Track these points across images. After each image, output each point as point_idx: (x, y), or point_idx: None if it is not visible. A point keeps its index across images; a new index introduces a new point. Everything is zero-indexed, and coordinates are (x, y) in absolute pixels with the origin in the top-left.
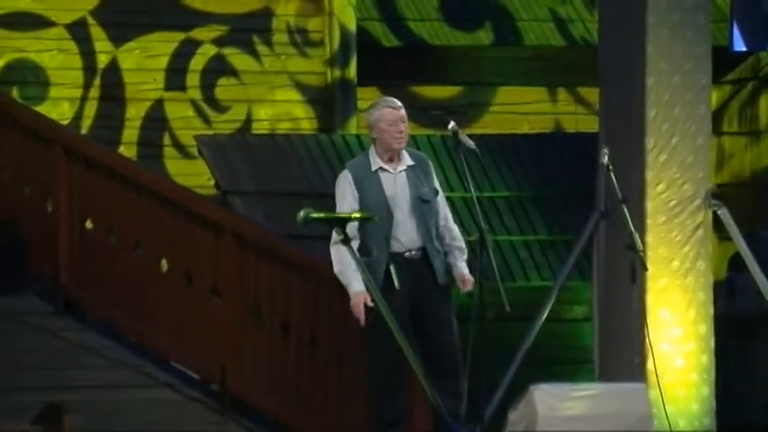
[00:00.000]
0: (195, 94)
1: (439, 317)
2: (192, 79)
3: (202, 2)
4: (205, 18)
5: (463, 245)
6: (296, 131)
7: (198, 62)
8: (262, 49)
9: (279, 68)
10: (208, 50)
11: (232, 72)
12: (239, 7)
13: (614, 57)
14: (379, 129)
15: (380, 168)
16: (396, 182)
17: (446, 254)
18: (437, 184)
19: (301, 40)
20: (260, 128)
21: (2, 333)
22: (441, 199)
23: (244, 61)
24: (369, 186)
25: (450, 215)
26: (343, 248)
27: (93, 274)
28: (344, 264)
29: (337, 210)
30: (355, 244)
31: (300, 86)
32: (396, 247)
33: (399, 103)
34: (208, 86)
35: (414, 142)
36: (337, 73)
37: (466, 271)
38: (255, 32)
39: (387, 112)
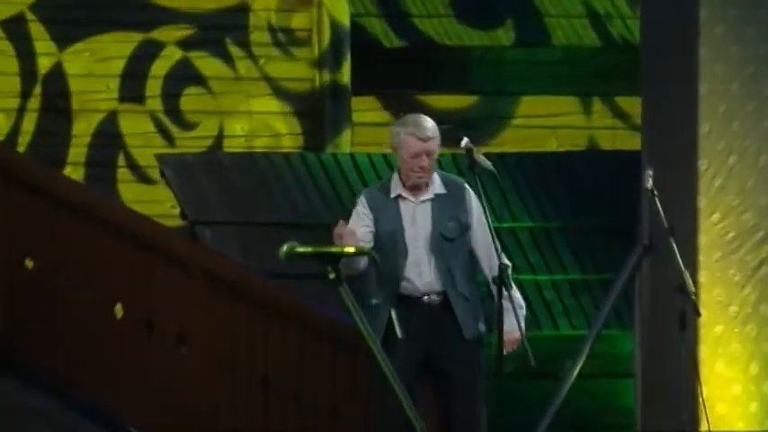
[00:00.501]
0: (156, 105)
1: (461, 380)
2: (153, 88)
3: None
4: (169, 15)
5: (516, 292)
6: (278, 149)
7: (160, 67)
8: (235, 50)
9: (257, 74)
10: (172, 53)
11: (200, 80)
12: (210, 2)
13: (660, 60)
14: (400, 157)
15: (400, 196)
16: (416, 213)
17: (476, 304)
18: (475, 219)
19: (285, 40)
20: (234, 145)
21: None
22: (479, 237)
23: (214, 66)
24: (384, 216)
25: (495, 256)
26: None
27: (34, 321)
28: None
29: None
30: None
31: (283, 95)
32: (408, 289)
33: (429, 130)
34: (171, 96)
35: None
36: (327, 77)
37: (510, 328)
38: (229, 31)
39: (411, 142)
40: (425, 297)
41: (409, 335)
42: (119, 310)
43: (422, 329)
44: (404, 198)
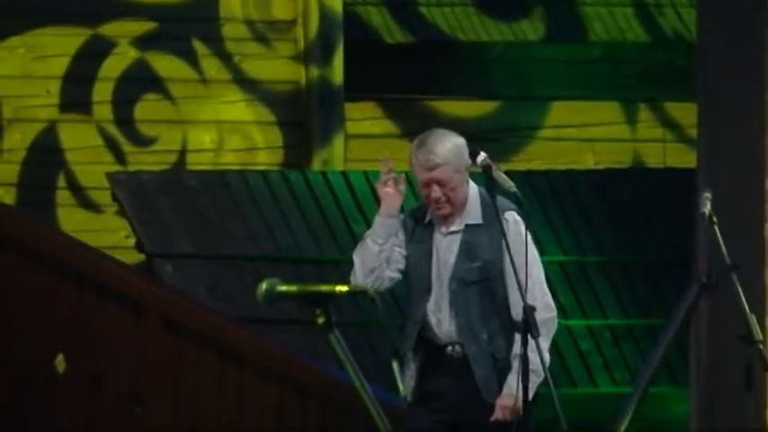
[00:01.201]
0: (105, 114)
1: None
2: (102, 93)
3: None
4: (123, 7)
5: (532, 355)
6: (254, 166)
7: (111, 68)
8: (201, 47)
9: (228, 76)
10: (125, 52)
11: (159, 83)
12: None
13: (720, 59)
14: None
15: (427, 223)
16: (443, 246)
17: (503, 362)
18: (511, 256)
19: (263, 31)
20: (201, 161)
21: None
22: (517, 275)
23: (176, 67)
24: (414, 243)
25: (538, 307)
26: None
27: None
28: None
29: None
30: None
31: (261, 99)
32: (430, 336)
33: (436, 155)
34: (124, 103)
35: None
36: (315, 76)
37: (511, 391)
38: (194, 24)
39: (418, 170)
40: (449, 348)
41: (436, 392)
42: (60, 362)
43: (449, 386)
44: (431, 226)
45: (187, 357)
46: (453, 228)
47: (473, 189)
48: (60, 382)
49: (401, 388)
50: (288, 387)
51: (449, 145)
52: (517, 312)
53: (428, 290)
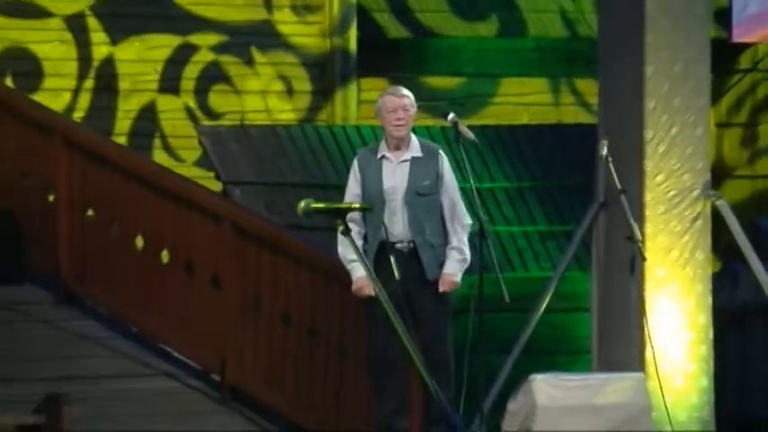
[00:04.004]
0: (188, 96)
1: (425, 313)
2: (187, 81)
3: (203, 8)
4: (205, 24)
5: (461, 245)
6: (292, 121)
7: (194, 65)
8: (257, 54)
9: (272, 68)
10: (205, 54)
11: (227, 78)
12: (239, 15)
13: (613, 46)
14: (382, 116)
15: (384, 156)
16: (395, 172)
17: (443, 250)
18: (447, 179)
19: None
20: (257, 119)
21: (2, 323)
22: (449, 194)
23: (239, 67)
24: (370, 174)
25: (460, 214)
26: (345, 239)
27: (93, 264)
28: (347, 251)
29: (345, 196)
30: (356, 227)
31: (296, 72)
32: (389, 236)
33: (403, 92)
34: (201, 91)
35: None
36: (338, 43)
37: (449, 271)
38: (253, 37)
39: (388, 100)
40: (400, 243)
41: (389, 275)
42: (165, 255)
43: (400, 270)
44: (387, 158)
45: (250, 253)
46: (403, 158)
47: (413, 135)
48: (165, 268)
49: (396, 272)
50: (318, 272)
51: (408, 92)
52: (449, 219)
53: (384, 204)
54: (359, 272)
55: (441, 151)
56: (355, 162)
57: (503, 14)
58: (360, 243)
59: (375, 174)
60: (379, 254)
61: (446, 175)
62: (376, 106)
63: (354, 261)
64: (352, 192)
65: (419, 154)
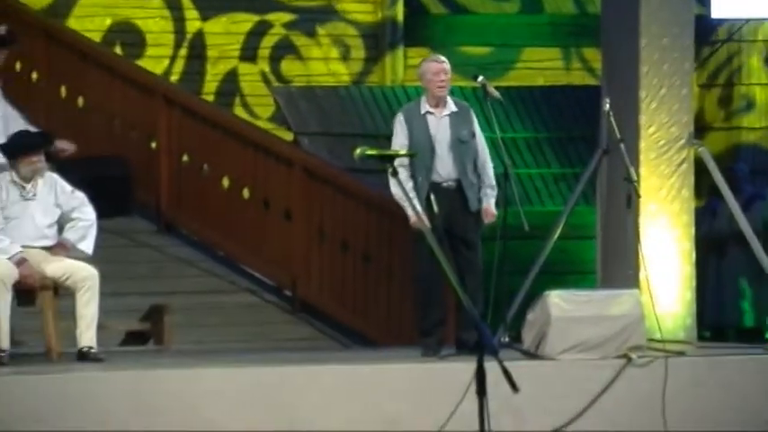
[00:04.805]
0: (264, 63)
1: (466, 238)
2: (263, 52)
3: None
4: (278, 5)
5: (493, 183)
6: (349, 82)
7: (269, 39)
8: (320, 29)
9: (329, 40)
10: (278, 30)
11: (295, 49)
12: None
13: (614, 22)
14: (426, 78)
15: (428, 112)
16: (439, 124)
17: (479, 188)
18: (477, 130)
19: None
20: (321, 81)
21: (114, 248)
22: (480, 142)
23: (304, 40)
24: (417, 126)
25: (488, 158)
26: (394, 180)
27: (188, 200)
28: (399, 191)
29: (392, 145)
30: (405, 172)
31: (353, 42)
32: (436, 177)
33: (443, 59)
34: (275, 59)
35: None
36: (388, 14)
37: (490, 204)
38: (317, 14)
39: (432, 65)
40: (446, 183)
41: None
42: (246, 192)
43: (444, 204)
44: (430, 113)
45: (316, 191)
46: (444, 113)
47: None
48: (247, 204)
49: (435, 207)
50: (371, 206)
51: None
52: (481, 163)
53: (433, 150)
54: (412, 210)
55: (470, 107)
56: (401, 116)
57: None
58: (410, 184)
59: (421, 126)
60: (429, 192)
61: (476, 127)
62: (420, 70)
63: (408, 198)
64: (399, 141)
65: (455, 109)
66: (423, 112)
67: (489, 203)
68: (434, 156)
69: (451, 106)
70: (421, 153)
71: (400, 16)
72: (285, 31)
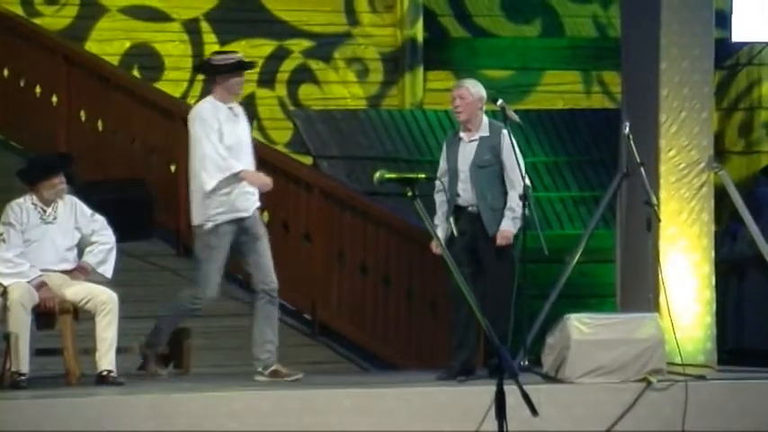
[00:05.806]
0: (282, 88)
1: (488, 264)
2: (282, 77)
3: (296, 14)
4: (297, 32)
5: (513, 205)
6: (368, 106)
7: (287, 64)
8: (339, 58)
9: (348, 64)
10: (296, 57)
11: (312, 75)
12: (325, 20)
13: (634, 45)
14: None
15: (459, 137)
16: (466, 149)
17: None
18: (506, 151)
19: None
20: (339, 105)
21: (134, 271)
22: (508, 164)
23: (322, 67)
24: (451, 151)
25: (516, 179)
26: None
27: None
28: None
29: (438, 171)
30: (441, 196)
31: (370, 66)
32: (460, 202)
33: (461, 83)
34: (292, 83)
35: None
36: (408, 34)
37: (503, 228)
38: (334, 38)
39: (451, 92)
40: (470, 207)
41: (461, 233)
42: (265, 215)
43: (468, 229)
44: (461, 138)
45: (335, 214)
46: (472, 138)
47: (485, 117)
48: (267, 226)
49: (454, 230)
50: (391, 229)
51: (471, 83)
52: (509, 184)
53: (456, 175)
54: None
55: (504, 129)
56: (444, 142)
57: (544, 18)
58: (445, 208)
59: (454, 151)
60: (452, 215)
61: (505, 147)
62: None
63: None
64: (441, 166)
65: (486, 134)
66: (458, 137)
67: (503, 226)
68: (457, 180)
69: (484, 130)
70: (450, 178)
71: (420, 39)
72: (303, 58)
